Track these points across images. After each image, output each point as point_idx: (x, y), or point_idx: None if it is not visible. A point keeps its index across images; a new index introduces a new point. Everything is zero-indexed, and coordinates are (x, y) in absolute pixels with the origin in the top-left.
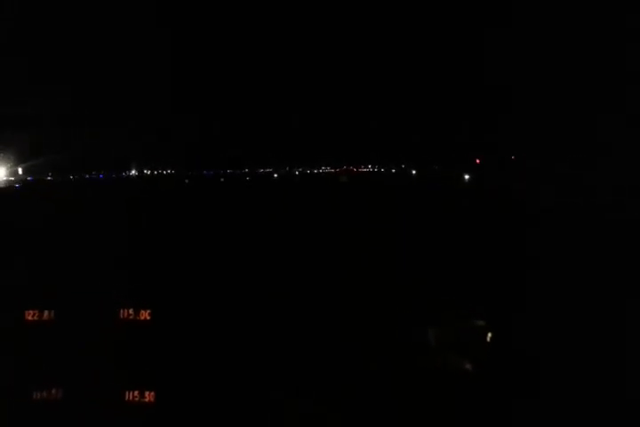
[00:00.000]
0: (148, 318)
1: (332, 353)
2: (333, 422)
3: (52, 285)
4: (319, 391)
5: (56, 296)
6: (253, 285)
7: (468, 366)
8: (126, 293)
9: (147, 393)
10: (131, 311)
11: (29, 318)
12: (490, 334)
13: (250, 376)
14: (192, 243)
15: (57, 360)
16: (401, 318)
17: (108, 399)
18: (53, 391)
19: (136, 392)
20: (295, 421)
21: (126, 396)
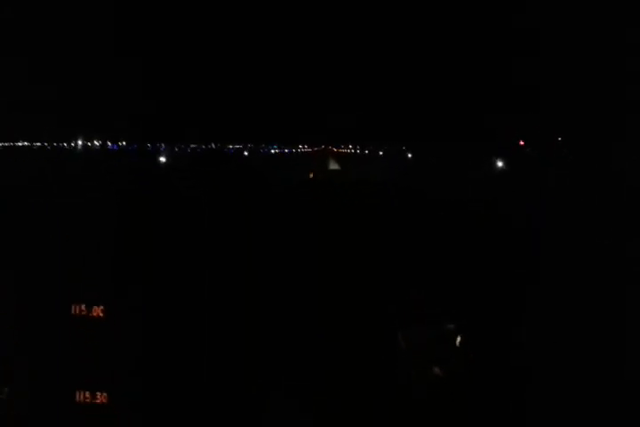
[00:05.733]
0: (101, 314)
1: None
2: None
3: None
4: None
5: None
6: (215, 280)
7: (445, 372)
8: (79, 287)
9: (99, 394)
10: (83, 308)
11: None
12: (464, 340)
13: (206, 376)
14: (149, 232)
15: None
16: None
17: (57, 400)
18: None
19: (87, 393)
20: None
21: (77, 397)
